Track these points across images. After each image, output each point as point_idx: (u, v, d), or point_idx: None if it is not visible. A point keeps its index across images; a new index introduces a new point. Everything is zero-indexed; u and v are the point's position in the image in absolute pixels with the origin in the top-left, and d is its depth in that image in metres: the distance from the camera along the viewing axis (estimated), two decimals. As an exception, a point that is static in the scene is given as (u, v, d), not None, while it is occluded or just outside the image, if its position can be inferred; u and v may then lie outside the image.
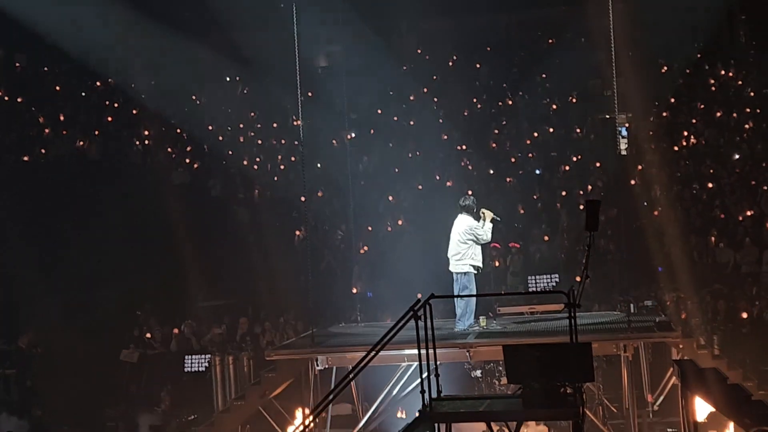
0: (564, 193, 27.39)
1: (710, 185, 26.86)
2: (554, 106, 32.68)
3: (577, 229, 24.59)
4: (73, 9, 28.65)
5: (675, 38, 28.90)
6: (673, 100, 31.56)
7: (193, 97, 32.79)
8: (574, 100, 32.54)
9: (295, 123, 18.55)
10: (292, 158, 29.33)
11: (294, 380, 17.69)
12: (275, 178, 29.77)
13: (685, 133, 30.03)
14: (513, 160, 30.08)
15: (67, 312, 23.84)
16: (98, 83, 33.71)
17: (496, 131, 32.12)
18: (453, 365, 16.11)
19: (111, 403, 20.16)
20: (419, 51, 36.70)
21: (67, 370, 21.18)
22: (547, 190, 28.14)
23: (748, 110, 29.68)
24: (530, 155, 29.85)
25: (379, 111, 32.23)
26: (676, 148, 29.26)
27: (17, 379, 20.95)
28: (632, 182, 26.44)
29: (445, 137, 30.46)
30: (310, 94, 17.47)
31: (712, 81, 32.04)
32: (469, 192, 22.37)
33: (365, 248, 25.38)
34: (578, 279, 20.02)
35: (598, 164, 28.04)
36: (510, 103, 33.47)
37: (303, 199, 20.11)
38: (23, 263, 23.37)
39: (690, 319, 20.09)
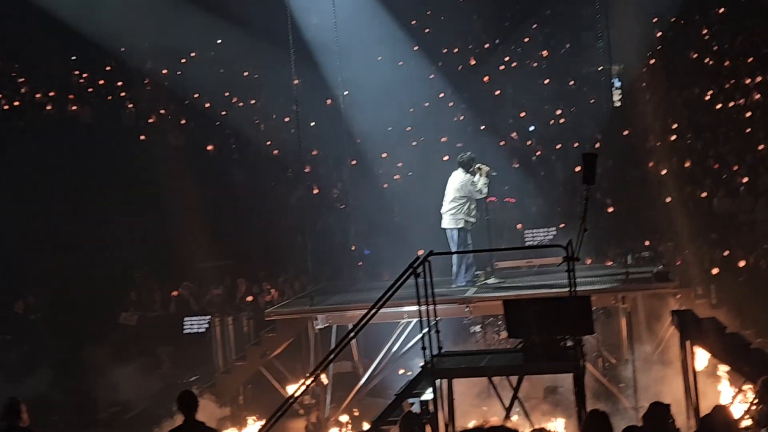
0: (559, 146, 27.34)
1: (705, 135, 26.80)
2: (545, 53, 32.60)
3: (572, 182, 24.59)
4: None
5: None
6: (664, 50, 31.35)
7: (183, 60, 32.54)
8: (566, 51, 32.39)
9: (294, 82, 18.39)
10: (286, 118, 29.14)
11: (294, 340, 17.74)
12: (269, 140, 29.72)
13: (679, 83, 29.90)
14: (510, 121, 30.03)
15: (64, 276, 23.83)
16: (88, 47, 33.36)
17: (490, 85, 31.99)
18: (452, 321, 16.14)
19: (110, 366, 20.11)
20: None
21: (65, 334, 21.17)
22: (541, 144, 28.09)
23: (741, 58, 29.50)
24: (522, 114, 29.79)
25: (372, 67, 32.03)
26: (670, 99, 29.14)
27: (14, 345, 20.91)
28: (626, 133, 26.37)
29: (441, 94, 30.37)
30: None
31: (705, 30, 31.80)
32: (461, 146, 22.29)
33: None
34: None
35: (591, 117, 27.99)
36: (503, 56, 33.27)
37: (307, 168, 19.93)
38: (19, 229, 23.25)
39: (687, 270, 20.12)
